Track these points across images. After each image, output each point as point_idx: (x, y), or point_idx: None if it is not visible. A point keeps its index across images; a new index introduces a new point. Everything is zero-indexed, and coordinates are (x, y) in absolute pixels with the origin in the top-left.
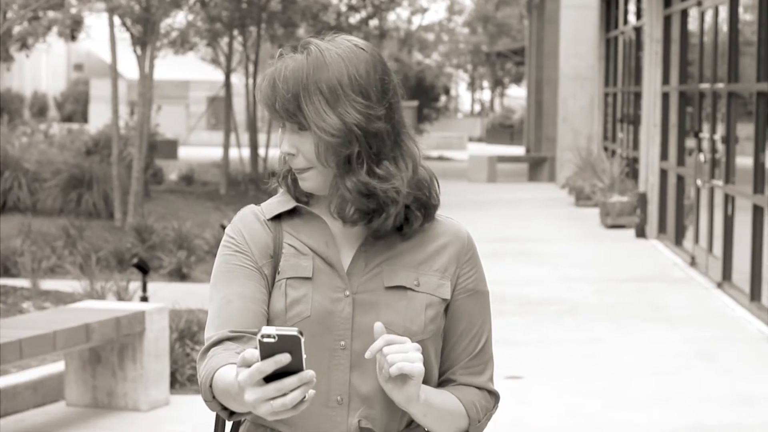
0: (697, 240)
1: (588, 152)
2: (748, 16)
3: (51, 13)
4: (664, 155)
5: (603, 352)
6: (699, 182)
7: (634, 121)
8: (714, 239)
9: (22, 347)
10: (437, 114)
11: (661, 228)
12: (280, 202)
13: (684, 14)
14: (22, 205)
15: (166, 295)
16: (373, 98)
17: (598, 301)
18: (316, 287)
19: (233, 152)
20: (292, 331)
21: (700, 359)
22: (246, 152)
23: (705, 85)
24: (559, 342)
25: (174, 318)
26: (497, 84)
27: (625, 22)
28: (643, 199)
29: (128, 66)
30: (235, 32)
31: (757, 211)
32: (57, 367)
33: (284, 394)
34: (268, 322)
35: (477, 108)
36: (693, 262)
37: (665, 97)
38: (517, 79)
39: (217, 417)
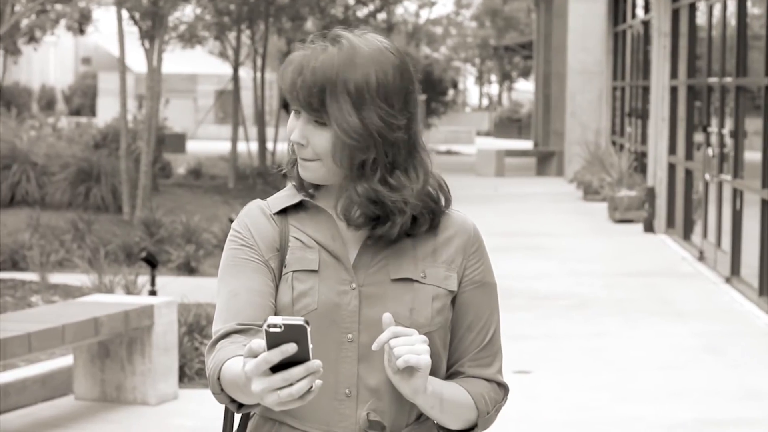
0: (705, 234)
1: (596, 146)
2: (756, 10)
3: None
4: (672, 149)
5: (611, 347)
6: (707, 177)
7: (643, 115)
8: (722, 234)
9: (30, 341)
10: (445, 108)
11: (670, 222)
12: (286, 196)
13: (692, 8)
14: (31, 199)
15: (174, 289)
16: (396, 107)
17: (607, 295)
18: (323, 280)
19: (241, 146)
20: (298, 321)
21: (708, 353)
22: (254, 146)
23: (713, 79)
24: (568, 336)
25: (182, 312)
26: (505, 78)
27: (633, 15)
28: (651, 194)
29: (136, 59)
30: (243, 26)
31: (766, 205)
32: (66, 361)
33: (291, 384)
34: (275, 315)
35: (485, 102)
36: (701, 257)
37: (673, 91)
38: (525, 73)
39: (226, 411)
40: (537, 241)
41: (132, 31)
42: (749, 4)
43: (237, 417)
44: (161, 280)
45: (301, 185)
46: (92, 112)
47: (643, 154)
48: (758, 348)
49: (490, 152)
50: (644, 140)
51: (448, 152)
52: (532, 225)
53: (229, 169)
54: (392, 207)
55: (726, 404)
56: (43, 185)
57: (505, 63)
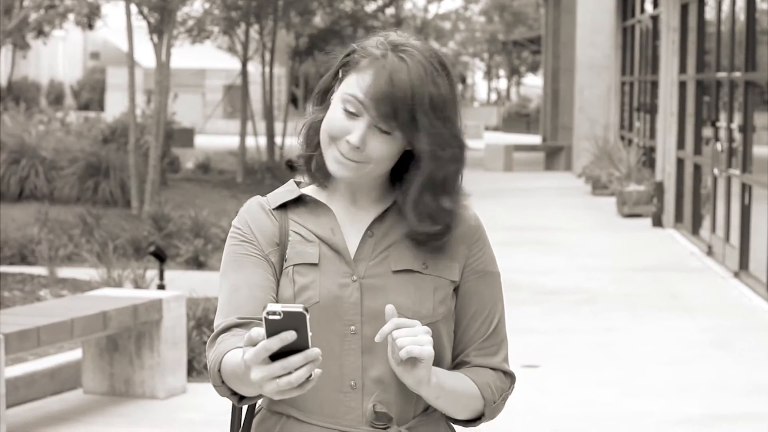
0: (713, 229)
1: (605, 141)
2: (765, 5)
3: (68, 1)
4: (680, 144)
5: (619, 341)
6: (716, 171)
7: (651, 110)
8: (731, 228)
9: (39, 335)
10: None
11: (678, 217)
12: (285, 191)
13: (701, 3)
14: (39, 193)
15: (183, 283)
16: (458, 116)
17: (615, 290)
18: (324, 273)
19: (250, 141)
20: (298, 308)
21: (716, 348)
22: (262, 141)
23: (722, 74)
24: (575, 331)
25: (191, 306)
26: (513, 73)
27: (642, 10)
28: (659, 188)
29: (145, 54)
30: (252, 20)
31: None
32: (74, 354)
33: (290, 372)
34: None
35: (493, 97)
36: (710, 252)
37: (682, 85)
38: (534, 68)
39: (234, 405)
40: (545, 236)
41: (141, 26)
42: None
43: (245, 411)
44: (170, 275)
45: (313, 177)
46: (101, 107)
47: (652, 149)
48: (766, 343)
49: (498, 147)
50: (653, 135)
51: None
52: (541, 220)
53: (237, 164)
54: (442, 226)
55: (734, 399)
56: (51, 180)
57: (513, 58)
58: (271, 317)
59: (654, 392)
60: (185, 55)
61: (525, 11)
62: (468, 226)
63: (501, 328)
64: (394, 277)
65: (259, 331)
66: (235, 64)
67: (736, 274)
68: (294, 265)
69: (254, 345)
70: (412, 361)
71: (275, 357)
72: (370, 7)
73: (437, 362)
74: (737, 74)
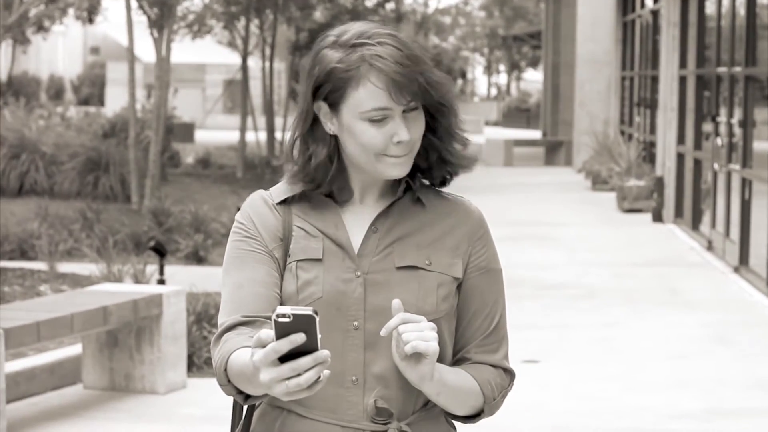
0: (714, 224)
1: (605, 136)
2: (765, 0)
3: None
4: (681, 139)
5: (619, 337)
6: (716, 166)
7: (651, 105)
8: (731, 223)
9: (39, 330)
10: None
11: (678, 212)
12: (288, 186)
13: None
14: (39, 188)
15: (183, 278)
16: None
17: (615, 285)
18: (327, 269)
19: (250, 136)
20: (307, 311)
21: (716, 343)
22: (263, 136)
23: (722, 69)
24: (576, 326)
25: (191, 301)
26: (514, 68)
27: (642, 5)
28: (659, 183)
29: (145, 49)
30: (252, 15)
31: None
32: (74, 349)
33: (299, 374)
34: (281, 305)
35: (493, 92)
36: (710, 247)
37: (682, 80)
38: (534, 63)
39: (235, 400)
40: (545, 231)
41: (141, 21)
42: None
43: (245, 406)
44: (170, 270)
45: (312, 180)
46: (101, 102)
47: (652, 144)
48: (766, 338)
49: (498, 142)
50: (653, 130)
51: None
52: (541, 215)
53: (237, 159)
54: (453, 166)
55: (734, 394)
56: (51, 175)
57: (513, 53)
58: (280, 320)
59: (654, 387)
60: (185, 50)
61: (525, 6)
62: (472, 222)
63: (502, 326)
64: (397, 273)
65: (269, 332)
66: (235, 58)
67: (736, 269)
68: (297, 260)
69: (263, 346)
70: (417, 356)
71: (284, 359)
72: (371, 2)
73: (439, 358)
74: (737, 69)
